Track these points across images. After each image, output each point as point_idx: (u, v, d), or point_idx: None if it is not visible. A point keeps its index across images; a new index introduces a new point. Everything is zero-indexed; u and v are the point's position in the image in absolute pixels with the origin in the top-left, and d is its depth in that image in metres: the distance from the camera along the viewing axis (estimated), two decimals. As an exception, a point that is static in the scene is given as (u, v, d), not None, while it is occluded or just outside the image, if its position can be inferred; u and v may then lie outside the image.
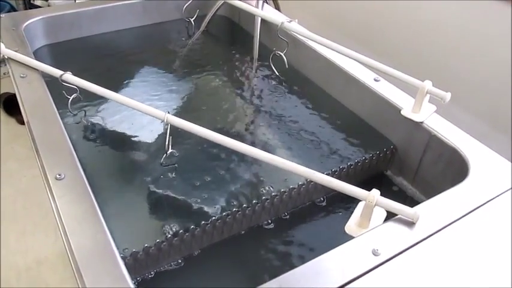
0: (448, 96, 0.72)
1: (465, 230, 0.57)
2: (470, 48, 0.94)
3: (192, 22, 1.13)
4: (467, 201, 0.60)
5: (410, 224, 0.57)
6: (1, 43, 0.84)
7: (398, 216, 0.58)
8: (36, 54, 0.97)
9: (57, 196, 0.57)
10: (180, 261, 0.65)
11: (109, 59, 1.03)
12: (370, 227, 0.58)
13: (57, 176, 0.59)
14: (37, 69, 0.81)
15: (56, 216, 0.56)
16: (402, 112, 0.76)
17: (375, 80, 0.84)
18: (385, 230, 0.56)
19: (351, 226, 0.60)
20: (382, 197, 0.57)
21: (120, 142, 0.79)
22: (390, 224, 0.57)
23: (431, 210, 0.59)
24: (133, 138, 0.79)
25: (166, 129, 0.70)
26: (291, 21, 1.00)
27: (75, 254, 0.51)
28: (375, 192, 0.57)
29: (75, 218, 0.54)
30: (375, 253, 0.53)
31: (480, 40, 0.93)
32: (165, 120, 0.69)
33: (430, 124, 0.74)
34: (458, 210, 0.59)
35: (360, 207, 0.60)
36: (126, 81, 0.95)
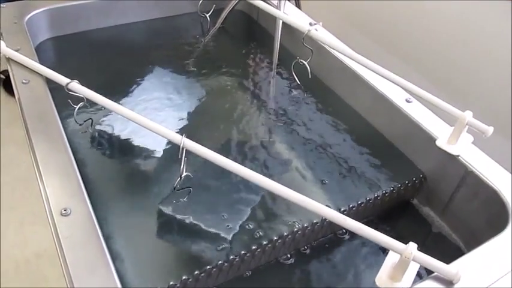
0: (490, 130, 0.66)
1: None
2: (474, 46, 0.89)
3: (208, 17, 1.05)
4: (509, 255, 0.55)
5: (448, 283, 0.52)
6: (2, 41, 0.77)
7: (435, 273, 0.53)
8: (39, 49, 0.91)
9: (63, 237, 0.52)
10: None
11: (117, 56, 0.96)
12: (403, 281, 0.54)
13: (63, 212, 0.54)
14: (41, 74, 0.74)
15: (61, 259, 0.50)
16: (437, 143, 0.70)
17: (407, 101, 0.78)
18: (422, 291, 0.51)
19: (382, 279, 0.55)
20: (420, 252, 0.52)
21: (130, 159, 0.73)
22: (427, 283, 0.52)
23: (471, 267, 0.54)
24: (145, 155, 0.73)
25: (182, 151, 0.65)
26: (315, 24, 0.93)
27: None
28: (412, 247, 0.52)
29: (83, 266, 0.49)
30: (412, 322, 0.48)
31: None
32: (182, 145, 0.63)
33: (466, 158, 0.68)
34: (501, 266, 0.54)
35: (391, 257, 0.55)
36: (135, 82, 0.88)
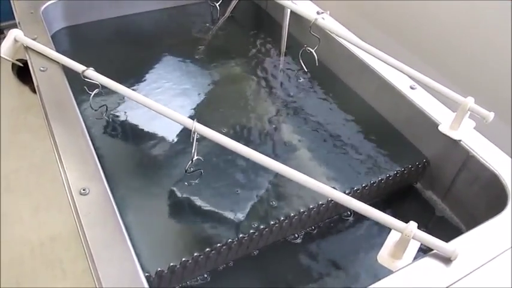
0: (491, 115, 0.68)
1: (504, 268, 0.55)
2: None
3: (217, 6, 1.07)
4: (507, 235, 0.58)
5: (447, 260, 0.54)
6: (19, 30, 0.80)
7: (434, 251, 0.55)
8: (55, 38, 0.93)
9: (82, 214, 0.55)
10: (205, 275, 0.63)
11: (129, 44, 0.99)
12: (404, 259, 0.56)
13: (82, 191, 0.57)
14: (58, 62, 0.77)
15: (81, 235, 0.54)
16: (440, 128, 0.72)
17: (411, 87, 0.80)
18: (420, 267, 0.54)
19: (383, 256, 0.57)
20: (420, 231, 0.55)
21: (143, 142, 0.76)
22: (426, 260, 0.55)
23: (469, 245, 0.56)
24: (158, 139, 0.77)
25: (193, 135, 0.68)
26: (322, 12, 0.95)
27: (102, 281, 0.49)
28: (413, 226, 0.55)
29: (101, 241, 0.52)
30: (411, 295, 0.51)
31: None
32: (193, 129, 0.66)
33: (468, 143, 0.71)
34: (497, 246, 0.57)
35: (392, 236, 0.58)
36: (147, 69, 0.91)
